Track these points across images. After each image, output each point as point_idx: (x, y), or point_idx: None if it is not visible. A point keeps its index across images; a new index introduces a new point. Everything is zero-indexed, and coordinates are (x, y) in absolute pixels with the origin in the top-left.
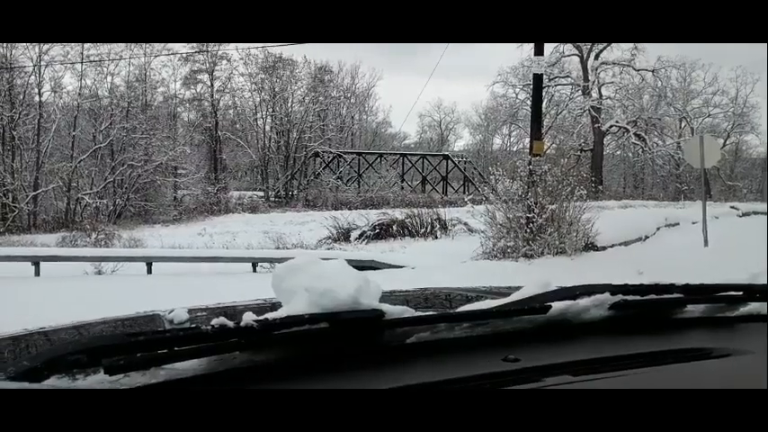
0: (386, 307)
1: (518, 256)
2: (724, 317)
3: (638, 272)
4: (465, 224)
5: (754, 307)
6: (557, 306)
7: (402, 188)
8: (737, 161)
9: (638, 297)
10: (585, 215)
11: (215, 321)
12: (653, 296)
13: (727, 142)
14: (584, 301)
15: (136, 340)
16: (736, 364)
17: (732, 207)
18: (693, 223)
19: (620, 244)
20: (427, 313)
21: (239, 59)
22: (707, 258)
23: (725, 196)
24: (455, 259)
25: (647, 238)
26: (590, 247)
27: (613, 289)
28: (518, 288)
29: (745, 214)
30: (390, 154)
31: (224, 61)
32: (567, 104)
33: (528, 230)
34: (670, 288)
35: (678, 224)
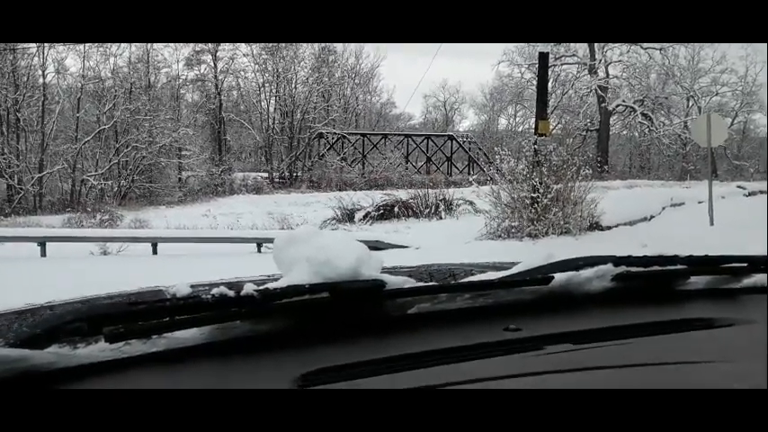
0: (386, 277)
1: (523, 236)
2: (728, 288)
3: (643, 245)
4: (470, 204)
5: (758, 279)
6: (559, 277)
7: (407, 169)
8: (745, 140)
9: (641, 268)
10: (590, 195)
11: (215, 291)
12: (656, 267)
13: (735, 121)
14: (586, 273)
15: (136, 309)
16: (739, 334)
17: (739, 186)
18: (699, 203)
19: (624, 224)
20: (428, 284)
21: None
22: (712, 237)
23: (731, 176)
24: (460, 239)
25: (652, 217)
26: (595, 226)
27: (616, 260)
28: (520, 263)
29: (751, 194)
30: (395, 135)
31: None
32: (574, 84)
33: (533, 210)
34: (674, 259)
35: (684, 204)
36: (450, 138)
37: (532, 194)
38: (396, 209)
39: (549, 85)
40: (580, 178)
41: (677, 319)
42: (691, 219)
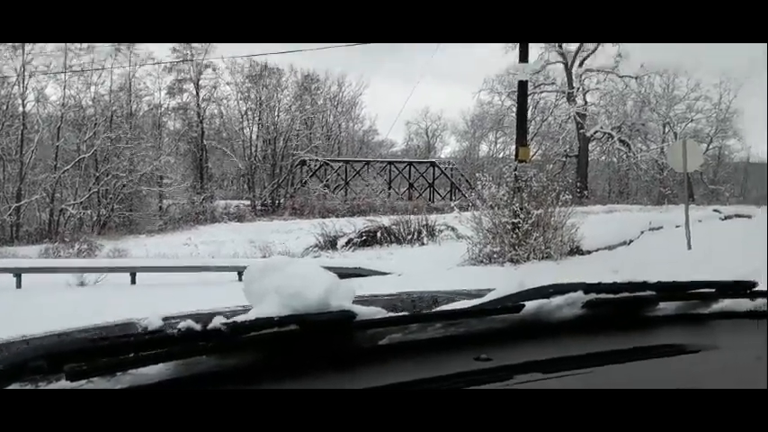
0: (357, 308)
1: (504, 261)
2: (696, 314)
3: (614, 270)
4: (452, 230)
5: (726, 304)
6: (530, 305)
7: (389, 195)
8: (720, 165)
9: (611, 295)
10: (570, 220)
11: (182, 325)
12: (626, 294)
13: (710, 147)
14: (557, 300)
15: (99, 345)
16: (704, 360)
17: (715, 210)
18: (677, 227)
19: (604, 248)
20: (399, 314)
21: (225, 68)
22: (690, 260)
23: (708, 200)
24: (442, 265)
25: (631, 241)
26: (575, 251)
27: (587, 287)
28: (493, 290)
29: (727, 217)
30: (377, 161)
31: (209, 70)
32: (552, 111)
33: (514, 235)
34: (644, 286)
35: (662, 228)
36: (433, 164)
37: (513, 220)
38: (378, 235)
39: (529, 112)
40: (560, 203)
41: (645, 345)
42: (669, 242)
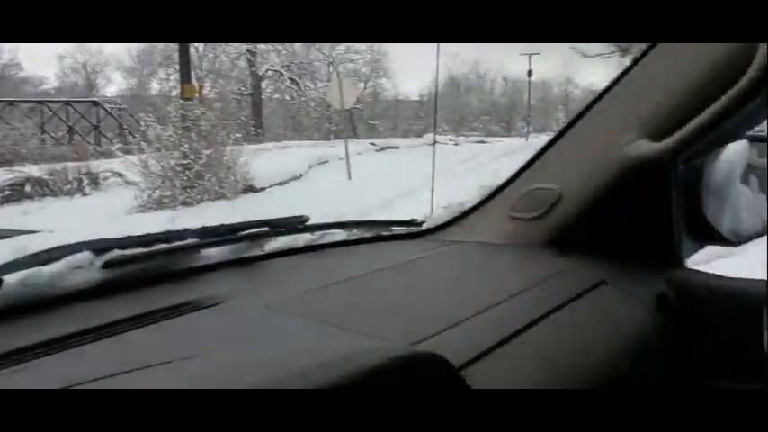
0: None
1: (176, 205)
2: (251, 257)
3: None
4: (119, 176)
5: (284, 242)
6: (10, 280)
7: (43, 141)
8: (376, 102)
9: (141, 249)
10: (243, 158)
11: None
12: (161, 246)
13: (367, 85)
14: (57, 266)
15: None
16: (221, 311)
17: (371, 143)
18: (340, 159)
19: (277, 184)
20: None
21: None
22: (351, 190)
23: (368, 134)
24: (107, 216)
25: (301, 176)
26: (249, 189)
27: (107, 244)
28: None
29: (381, 149)
30: (24, 102)
31: None
32: (225, 47)
33: (185, 178)
34: (184, 234)
35: (328, 161)
36: (96, 104)
37: (183, 161)
38: (27, 188)
39: (200, 48)
40: (231, 142)
41: (172, 304)
42: (333, 174)
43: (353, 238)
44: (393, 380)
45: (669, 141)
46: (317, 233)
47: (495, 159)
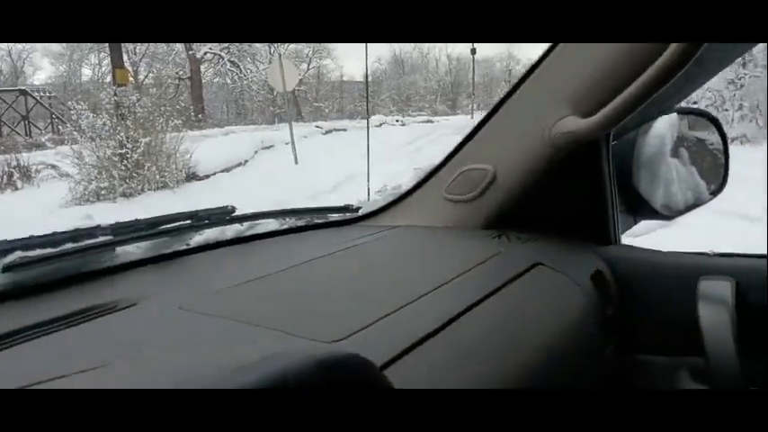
0: None
1: (116, 197)
2: (172, 252)
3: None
4: (53, 168)
5: (210, 234)
6: None
7: None
8: (321, 84)
9: (48, 250)
10: (184, 145)
11: None
12: (70, 245)
13: (310, 66)
14: None
15: None
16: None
17: (317, 126)
18: (286, 144)
19: (222, 170)
20: None
21: None
22: (298, 174)
23: (314, 116)
24: (41, 210)
25: (246, 162)
26: (192, 177)
27: (8, 246)
28: None
29: (327, 132)
30: None
31: None
32: None
33: (123, 168)
34: (95, 231)
35: (273, 146)
36: (23, 92)
37: (120, 151)
38: None
39: None
40: (170, 129)
41: (87, 307)
42: (280, 159)
43: (285, 227)
44: (309, 384)
45: (596, 117)
46: (246, 224)
47: (442, 138)
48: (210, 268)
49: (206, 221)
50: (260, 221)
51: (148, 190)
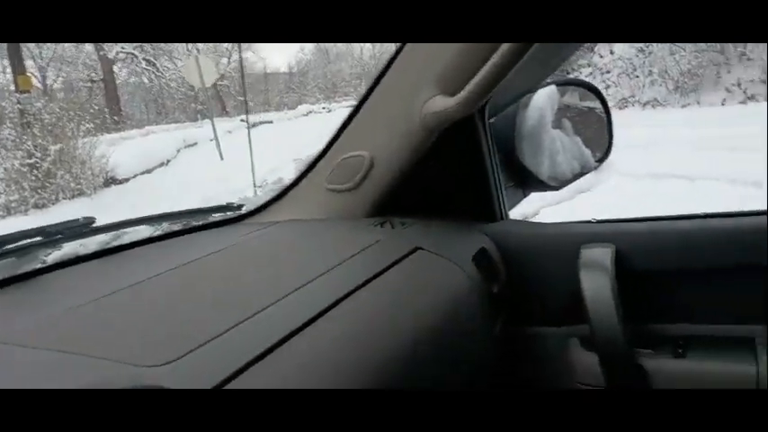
0: None
1: (28, 209)
2: (19, 275)
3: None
4: None
5: (68, 249)
6: None
7: None
8: (244, 77)
9: None
10: (100, 149)
11: None
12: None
13: (231, 60)
14: None
15: None
16: None
17: (242, 120)
18: (210, 140)
19: (143, 172)
20: None
21: None
22: (223, 170)
23: (239, 110)
24: None
25: (168, 161)
26: (111, 181)
27: None
28: None
29: (253, 125)
30: None
31: None
32: None
33: (34, 178)
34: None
35: (197, 143)
36: None
37: (29, 161)
38: None
39: None
40: (82, 134)
41: None
42: (204, 157)
43: (158, 233)
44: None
45: (462, 94)
46: (111, 234)
47: None
48: (59, 288)
49: (58, 236)
50: (129, 230)
51: (63, 199)
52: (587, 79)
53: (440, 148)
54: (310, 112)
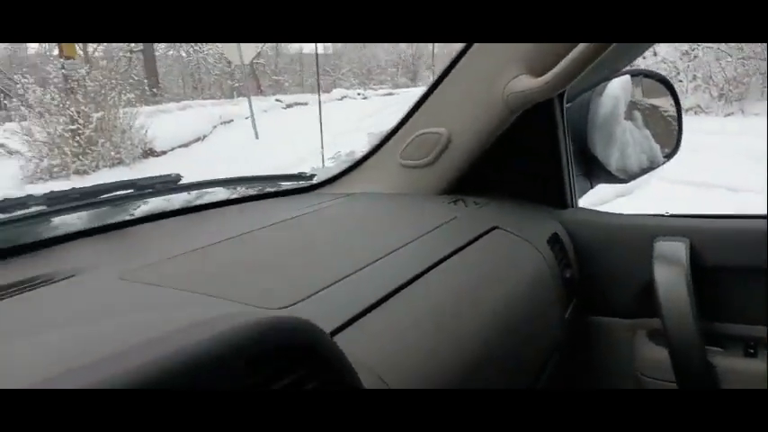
0: None
1: (69, 174)
2: (114, 223)
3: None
4: (1, 146)
5: (155, 204)
6: None
7: None
8: (279, 56)
9: None
10: (139, 120)
11: None
12: (6, 215)
13: None
14: None
15: None
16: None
17: (277, 100)
18: (246, 118)
19: (180, 146)
20: None
21: None
22: (259, 149)
23: (273, 90)
24: None
25: (204, 137)
26: (149, 153)
27: None
28: None
29: (288, 106)
30: None
31: None
32: None
33: (76, 144)
34: (28, 201)
35: (233, 120)
36: None
37: (71, 127)
38: None
39: None
40: (123, 104)
41: (22, 279)
42: (239, 134)
43: (235, 196)
44: (248, 348)
45: (548, 75)
46: (194, 193)
47: (404, 109)
48: (154, 239)
49: (148, 190)
50: (208, 190)
51: (103, 167)
52: None
53: (516, 129)
54: (345, 96)
